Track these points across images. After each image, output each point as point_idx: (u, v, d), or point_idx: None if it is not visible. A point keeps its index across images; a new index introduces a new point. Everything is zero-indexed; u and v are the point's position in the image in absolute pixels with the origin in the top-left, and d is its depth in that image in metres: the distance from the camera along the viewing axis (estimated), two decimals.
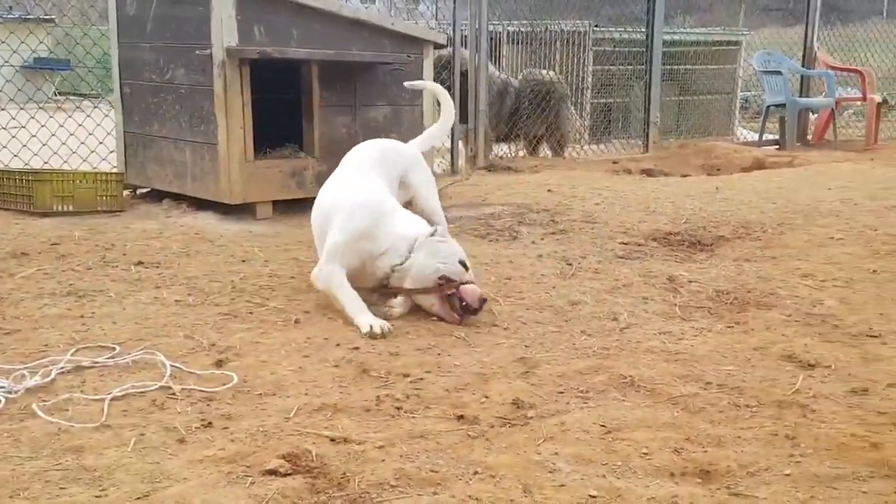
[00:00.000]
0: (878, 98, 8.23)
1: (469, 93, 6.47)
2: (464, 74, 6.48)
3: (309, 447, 1.99)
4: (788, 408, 2.29)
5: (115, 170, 5.08)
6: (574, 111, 7.76)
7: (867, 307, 3.18)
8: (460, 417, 2.19)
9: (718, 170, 7.04)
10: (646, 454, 2.01)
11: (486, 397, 2.33)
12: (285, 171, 4.56)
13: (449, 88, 6.40)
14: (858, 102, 8.61)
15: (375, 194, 3.23)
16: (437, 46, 5.17)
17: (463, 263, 3.04)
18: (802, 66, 8.47)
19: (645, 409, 2.29)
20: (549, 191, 5.52)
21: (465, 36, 6.52)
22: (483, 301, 2.95)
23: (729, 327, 3.01)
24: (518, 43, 8.11)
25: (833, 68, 8.44)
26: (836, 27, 11.69)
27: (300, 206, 4.41)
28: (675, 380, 2.49)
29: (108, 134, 5.39)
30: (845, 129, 9.69)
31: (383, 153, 3.55)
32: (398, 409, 2.24)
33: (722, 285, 3.47)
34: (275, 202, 4.55)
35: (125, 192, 4.88)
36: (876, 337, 2.86)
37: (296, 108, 4.74)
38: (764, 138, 8.47)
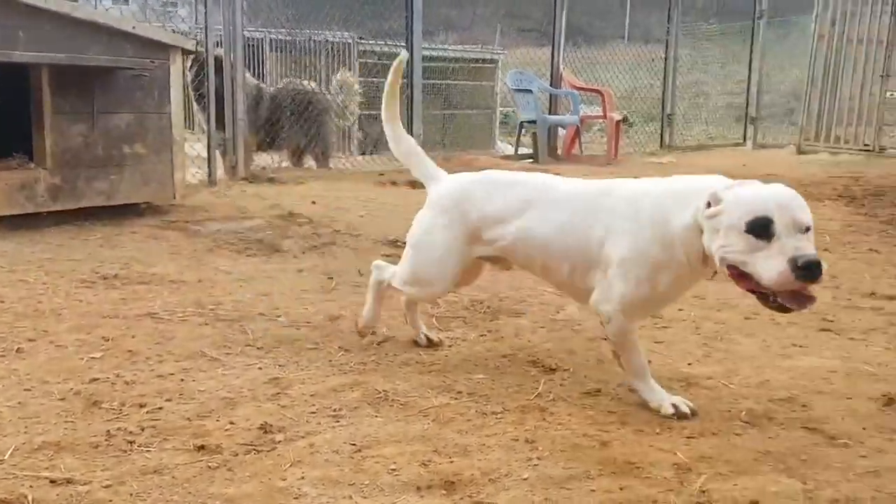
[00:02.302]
0: (617, 116, 8.99)
1: (225, 100, 6.24)
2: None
3: (25, 491, 1.78)
4: (530, 412, 2.38)
5: None
6: (340, 123, 7.76)
7: None
8: (201, 448, 2.06)
9: None
10: (394, 470, 2.00)
11: (232, 423, 2.22)
12: (12, 184, 4.12)
13: (204, 96, 6.16)
14: (601, 120, 9.34)
15: None
16: (186, 52, 4.93)
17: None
18: (550, 85, 9.05)
19: (397, 423, 2.28)
20: (312, 203, 5.45)
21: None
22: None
23: (482, 336, 3.10)
24: (281, 51, 7.97)
25: (577, 88, 9.10)
26: (583, 49, 12.66)
27: (31, 221, 4.00)
28: (428, 391, 2.52)
29: None
30: (592, 145, 10.52)
31: None
32: (131, 443, 2.06)
33: (477, 295, 3.58)
34: (1, 218, 4.10)
35: None
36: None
37: (26, 115, 4.31)
38: (520, 152, 8.96)
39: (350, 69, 8.25)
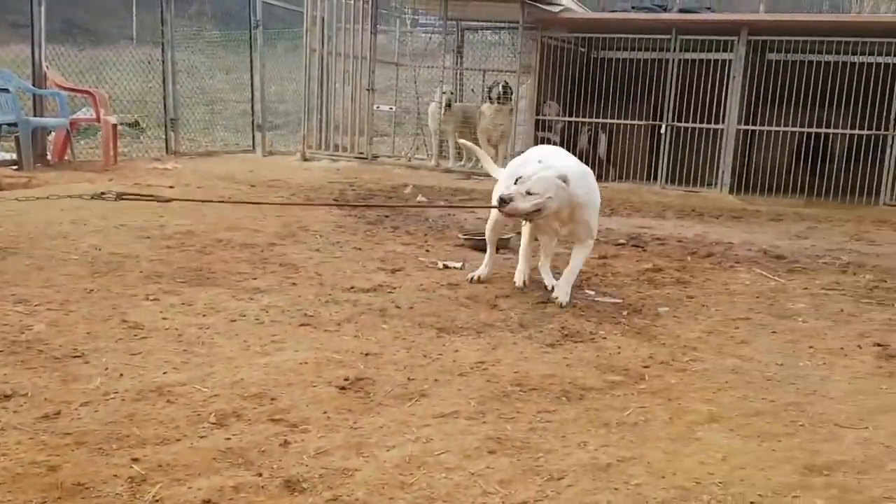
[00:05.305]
0: (113, 119, 8.50)
1: None
2: None
3: None
4: None
5: None
6: None
7: (77, 327, 3.17)
8: None
9: None
10: None
11: None
12: None
13: None
14: (97, 123, 8.73)
15: None
16: None
17: None
18: (33, 84, 8.21)
19: None
20: None
21: None
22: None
23: None
24: None
25: (64, 88, 8.40)
26: (88, 49, 11.76)
27: None
28: None
29: None
30: (96, 150, 9.78)
31: None
32: None
33: None
34: None
35: None
36: (79, 357, 2.86)
37: None
38: (3, 158, 7.96)
39: None
